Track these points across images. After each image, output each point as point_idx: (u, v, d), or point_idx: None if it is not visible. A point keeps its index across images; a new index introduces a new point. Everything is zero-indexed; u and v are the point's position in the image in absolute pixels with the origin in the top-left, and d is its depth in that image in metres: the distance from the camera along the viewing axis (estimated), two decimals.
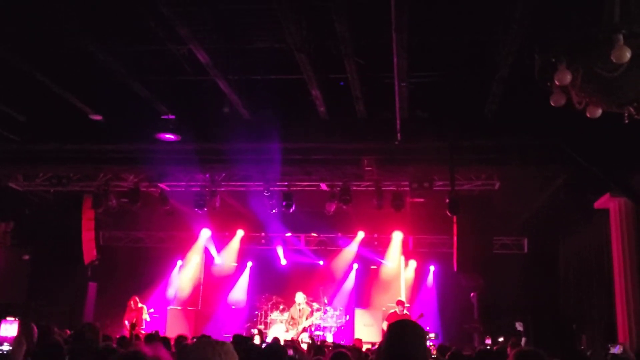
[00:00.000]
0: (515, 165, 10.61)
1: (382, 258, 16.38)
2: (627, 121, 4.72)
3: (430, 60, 8.16)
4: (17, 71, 8.53)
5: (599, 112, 4.84)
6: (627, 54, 4.10)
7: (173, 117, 10.05)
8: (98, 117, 10.15)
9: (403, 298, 15.50)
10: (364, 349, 9.56)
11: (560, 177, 11.08)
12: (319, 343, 10.47)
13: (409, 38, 7.04)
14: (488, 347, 10.59)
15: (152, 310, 14.39)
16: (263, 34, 7.77)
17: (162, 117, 10.05)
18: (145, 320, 13.80)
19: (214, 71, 8.32)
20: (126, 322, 13.68)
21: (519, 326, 13.30)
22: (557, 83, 4.59)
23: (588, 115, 4.89)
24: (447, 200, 10.95)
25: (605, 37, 4.20)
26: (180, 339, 8.44)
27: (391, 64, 7.60)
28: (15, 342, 4.66)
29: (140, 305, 13.90)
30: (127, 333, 13.09)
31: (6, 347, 5.89)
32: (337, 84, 8.88)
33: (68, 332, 8.96)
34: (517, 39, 6.59)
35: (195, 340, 7.60)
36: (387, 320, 13.83)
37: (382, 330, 13.85)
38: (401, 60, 7.50)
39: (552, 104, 4.93)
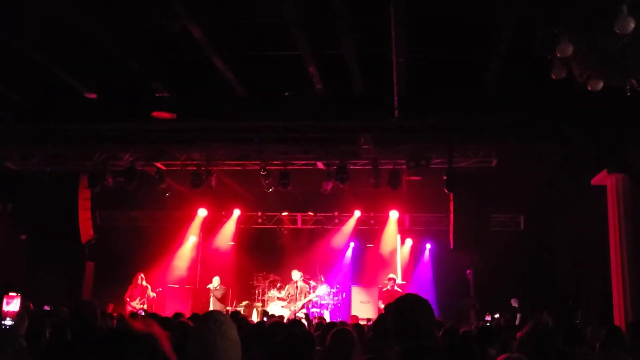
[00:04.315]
0: (513, 142, 10.58)
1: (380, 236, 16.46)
2: (629, 94, 4.68)
3: (429, 36, 8.07)
4: (11, 50, 8.42)
5: (601, 85, 4.80)
6: (631, 25, 4.04)
7: (168, 94, 9.96)
8: (93, 96, 10.05)
9: (399, 276, 15.60)
10: None
11: (558, 154, 11.07)
12: (316, 320, 10.52)
13: (407, 13, 6.95)
14: (488, 324, 10.67)
15: (159, 289, 14.53)
16: (258, 9, 7.66)
17: (157, 94, 9.96)
18: (149, 297, 13.89)
19: (209, 48, 8.22)
20: (127, 299, 13.75)
21: (514, 302, 13.44)
22: (558, 55, 4.54)
23: (589, 88, 4.84)
24: (445, 178, 10.94)
25: (609, 7, 4.14)
26: (177, 315, 8.47)
27: (389, 39, 7.52)
28: (17, 316, 4.66)
29: (145, 283, 13.97)
30: (127, 308, 13.19)
31: (9, 321, 5.91)
32: (334, 60, 8.78)
33: (66, 310, 8.99)
34: (517, 14, 6.52)
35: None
36: (380, 298, 13.92)
37: (379, 308, 13.96)
38: (399, 35, 7.42)
39: (553, 77, 4.88)
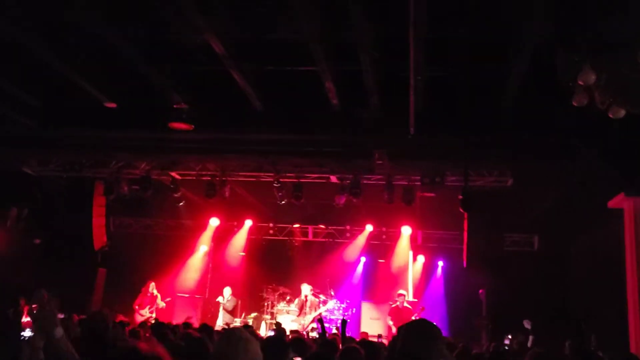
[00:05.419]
0: (529, 162, 10.51)
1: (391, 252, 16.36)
2: None
3: (446, 54, 8.07)
4: (34, 57, 8.55)
5: (623, 112, 4.76)
6: None
7: (186, 106, 10.05)
8: (112, 105, 10.18)
9: (410, 292, 15.48)
10: None
11: (574, 174, 10.97)
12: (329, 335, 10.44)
13: (425, 32, 6.97)
14: (506, 347, 10.53)
15: (169, 299, 14.51)
16: (278, 25, 7.72)
17: (175, 106, 10.05)
18: (158, 307, 13.87)
19: (228, 61, 8.29)
20: (136, 307, 13.73)
21: (526, 324, 13.27)
22: (580, 83, 4.51)
23: (611, 115, 4.81)
24: (460, 197, 10.88)
25: (632, 37, 4.11)
26: (186, 325, 8.49)
27: (407, 56, 7.53)
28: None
29: (156, 293, 13.97)
30: (137, 317, 13.19)
31: (28, 332, 5.89)
32: (351, 76, 8.81)
33: (76, 317, 9.03)
34: (537, 36, 6.50)
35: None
36: (389, 315, 13.82)
37: (388, 325, 13.84)
38: (417, 53, 7.43)
39: (575, 104, 4.85)
